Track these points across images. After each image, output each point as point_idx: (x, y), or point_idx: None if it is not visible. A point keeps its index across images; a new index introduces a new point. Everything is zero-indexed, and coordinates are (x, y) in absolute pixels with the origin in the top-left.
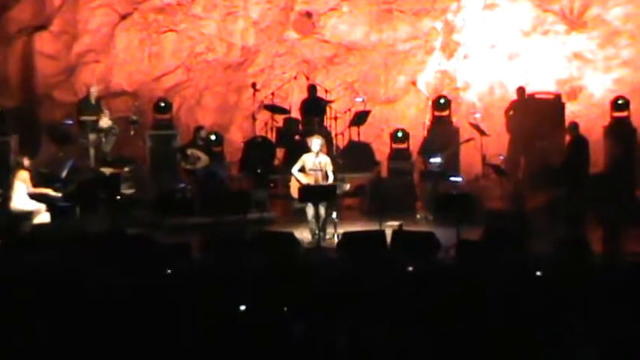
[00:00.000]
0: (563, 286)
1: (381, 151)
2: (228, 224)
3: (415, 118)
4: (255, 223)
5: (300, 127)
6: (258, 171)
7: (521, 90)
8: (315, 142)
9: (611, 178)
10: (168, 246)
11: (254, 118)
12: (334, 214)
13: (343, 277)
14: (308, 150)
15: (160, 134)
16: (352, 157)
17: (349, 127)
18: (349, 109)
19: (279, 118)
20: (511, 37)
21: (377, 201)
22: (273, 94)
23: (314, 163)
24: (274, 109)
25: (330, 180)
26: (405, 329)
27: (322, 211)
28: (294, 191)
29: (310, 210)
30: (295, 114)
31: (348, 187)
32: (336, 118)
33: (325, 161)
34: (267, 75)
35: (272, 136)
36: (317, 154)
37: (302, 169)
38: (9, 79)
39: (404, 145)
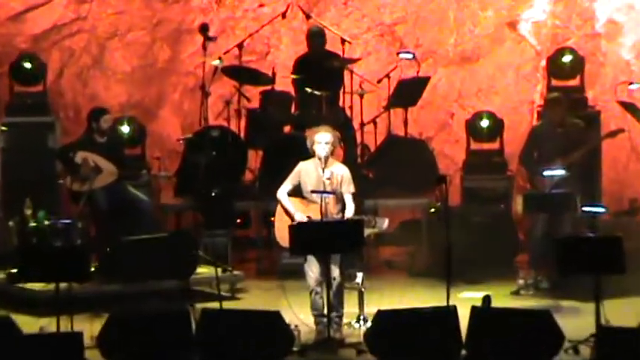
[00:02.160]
0: None
1: (449, 154)
2: (155, 297)
3: (513, 93)
4: (209, 297)
5: (293, 109)
6: (214, 194)
7: None
8: (322, 140)
9: None
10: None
11: (205, 93)
12: (359, 277)
13: None
14: (308, 155)
15: (20, 123)
16: (393, 167)
17: (387, 109)
18: (387, 75)
19: (254, 93)
20: None
21: (441, 251)
22: (240, 46)
23: (319, 180)
24: (244, 75)
25: (350, 211)
26: None
27: (335, 271)
28: (282, 234)
29: (313, 269)
30: (284, 85)
31: (386, 224)
32: (362, 95)
33: (340, 175)
34: (230, 10)
35: (239, 128)
36: (324, 161)
37: (296, 191)
38: None
39: (493, 145)
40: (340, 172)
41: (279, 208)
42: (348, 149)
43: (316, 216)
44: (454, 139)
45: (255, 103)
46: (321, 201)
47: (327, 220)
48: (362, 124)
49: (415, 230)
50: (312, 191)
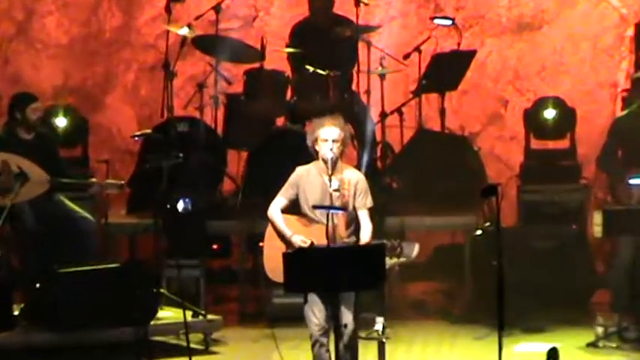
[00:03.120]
0: None
1: (502, 156)
2: (101, 350)
3: (589, 73)
4: (174, 350)
5: (289, 94)
6: (181, 209)
7: None
8: (328, 136)
9: None
10: None
11: (169, 74)
12: (379, 324)
13: None
14: (309, 157)
15: None
16: (426, 173)
17: (418, 95)
18: (417, 48)
19: (236, 73)
20: None
21: (489, 288)
22: (217, 8)
23: (324, 191)
24: (222, 48)
25: (367, 234)
26: None
27: (347, 316)
28: (273, 264)
29: (316, 313)
30: (277, 62)
31: (416, 251)
32: (383, 76)
33: (353, 184)
34: None
35: (216, 120)
36: (332, 165)
37: (294, 207)
38: None
39: (561, 143)
40: (353, 180)
41: (269, 229)
42: (364, 149)
43: (321, 240)
44: (508, 135)
45: (237, 87)
46: (328, 220)
47: (336, 245)
48: (383, 115)
49: (455, 260)
50: (315, 207)
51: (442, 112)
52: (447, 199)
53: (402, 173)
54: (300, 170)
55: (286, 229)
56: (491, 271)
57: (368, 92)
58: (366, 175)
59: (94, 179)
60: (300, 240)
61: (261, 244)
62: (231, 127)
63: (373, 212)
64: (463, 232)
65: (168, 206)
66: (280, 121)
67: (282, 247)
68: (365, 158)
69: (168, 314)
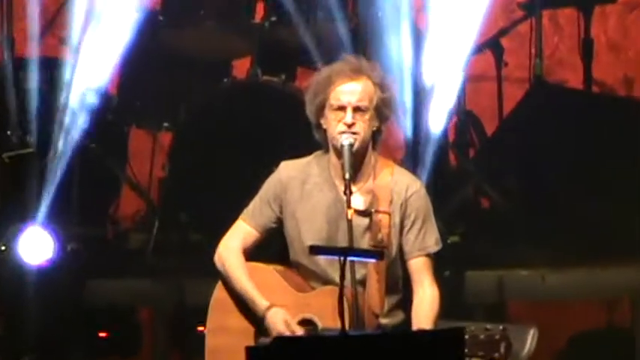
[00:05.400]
0: None
1: None
2: None
3: None
4: None
5: (261, 11)
6: (29, 260)
7: None
8: (347, 97)
9: None
10: None
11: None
12: None
13: None
14: (305, 144)
15: None
16: (549, 176)
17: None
18: None
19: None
20: None
21: None
22: None
23: (337, 213)
24: None
25: (427, 311)
26: None
27: None
28: None
29: None
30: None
31: (533, 343)
32: None
33: (401, 200)
34: None
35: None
36: (354, 161)
37: (270, 245)
38: None
39: None
40: (400, 193)
41: (219, 295)
42: (420, 132)
43: (328, 319)
44: None
45: None
46: (343, 275)
47: (363, 332)
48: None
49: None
50: (316, 249)
51: (585, 50)
52: (596, 232)
53: (503, 177)
54: (286, 170)
55: (256, 293)
56: None
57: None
58: (430, 183)
59: None
60: (283, 319)
61: (201, 327)
62: (136, 84)
63: (442, 260)
64: (630, 302)
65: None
66: (242, 67)
67: (245, 334)
68: (429, 140)
69: None
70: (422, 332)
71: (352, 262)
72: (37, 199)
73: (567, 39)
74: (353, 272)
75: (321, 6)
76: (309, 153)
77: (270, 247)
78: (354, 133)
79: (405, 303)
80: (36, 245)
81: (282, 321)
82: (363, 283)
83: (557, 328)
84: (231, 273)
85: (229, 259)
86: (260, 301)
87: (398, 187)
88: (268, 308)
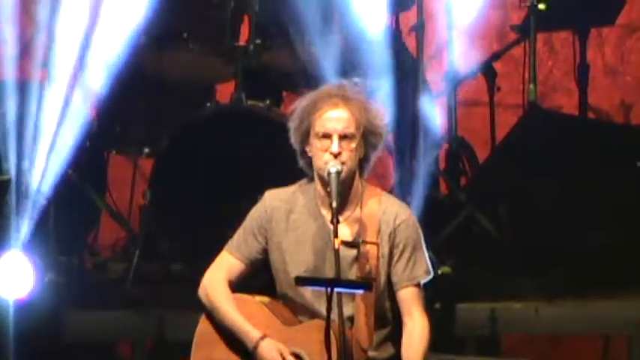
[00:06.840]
0: None
1: None
2: None
3: None
4: None
5: (246, 32)
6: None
7: None
8: (333, 125)
9: None
10: None
11: None
12: None
13: None
14: (290, 171)
15: None
16: (548, 202)
17: (525, 38)
18: None
19: None
20: None
21: None
22: None
23: (323, 244)
24: None
25: (417, 345)
26: None
27: None
28: None
29: None
30: None
31: None
32: None
33: (390, 229)
34: None
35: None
36: (341, 190)
37: (256, 277)
38: None
39: None
40: (389, 222)
41: (204, 328)
42: (412, 155)
43: (316, 354)
44: None
45: None
46: (330, 308)
47: None
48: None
49: None
50: (302, 280)
51: (581, 74)
52: (592, 263)
53: (498, 204)
54: (270, 199)
55: (247, 324)
56: None
57: (418, 27)
58: (420, 210)
59: None
60: (277, 348)
61: None
62: (116, 109)
63: (432, 291)
64: (627, 337)
65: None
66: (226, 91)
67: None
68: (420, 167)
69: None
70: None
71: (339, 294)
72: (14, 228)
73: (562, 63)
74: (340, 305)
75: (306, 29)
76: (295, 180)
77: (258, 279)
78: (340, 162)
79: (395, 336)
80: (14, 276)
81: (276, 351)
82: (350, 317)
83: None
84: (218, 305)
85: (215, 291)
86: (252, 332)
87: (386, 216)
88: (262, 338)
